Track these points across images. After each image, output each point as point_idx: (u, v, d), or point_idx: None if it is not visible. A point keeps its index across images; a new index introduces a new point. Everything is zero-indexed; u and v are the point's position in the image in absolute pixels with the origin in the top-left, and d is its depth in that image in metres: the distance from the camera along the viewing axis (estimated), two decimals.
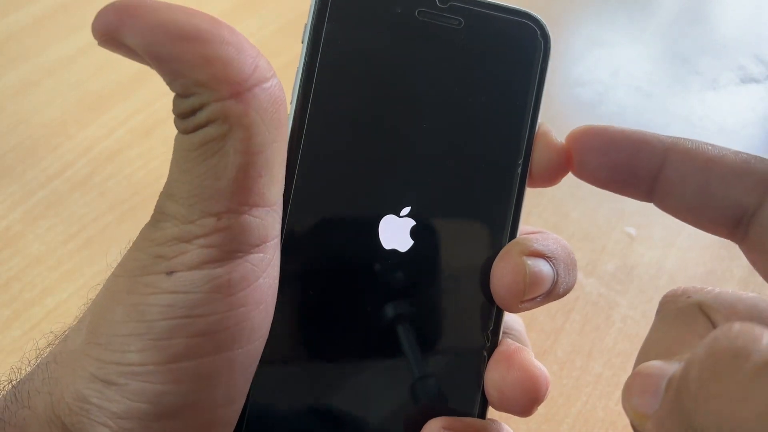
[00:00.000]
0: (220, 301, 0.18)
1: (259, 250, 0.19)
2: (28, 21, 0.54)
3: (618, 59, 0.59)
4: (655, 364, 0.16)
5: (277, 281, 0.20)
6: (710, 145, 0.20)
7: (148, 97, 0.50)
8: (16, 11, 0.55)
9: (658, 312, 0.20)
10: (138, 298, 0.18)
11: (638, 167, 0.20)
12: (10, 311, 0.39)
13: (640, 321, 0.41)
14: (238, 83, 0.17)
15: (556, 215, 0.46)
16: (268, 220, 0.19)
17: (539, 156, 0.22)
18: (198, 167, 0.18)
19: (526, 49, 0.22)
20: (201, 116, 0.18)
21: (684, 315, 0.19)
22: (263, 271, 0.19)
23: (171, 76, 0.18)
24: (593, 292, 0.43)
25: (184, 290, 0.18)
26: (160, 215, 0.19)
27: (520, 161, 0.22)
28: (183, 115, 0.18)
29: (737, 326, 0.14)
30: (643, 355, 0.19)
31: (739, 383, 0.13)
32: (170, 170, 0.19)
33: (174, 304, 0.18)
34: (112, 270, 0.20)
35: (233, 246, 0.18)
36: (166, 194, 0.19)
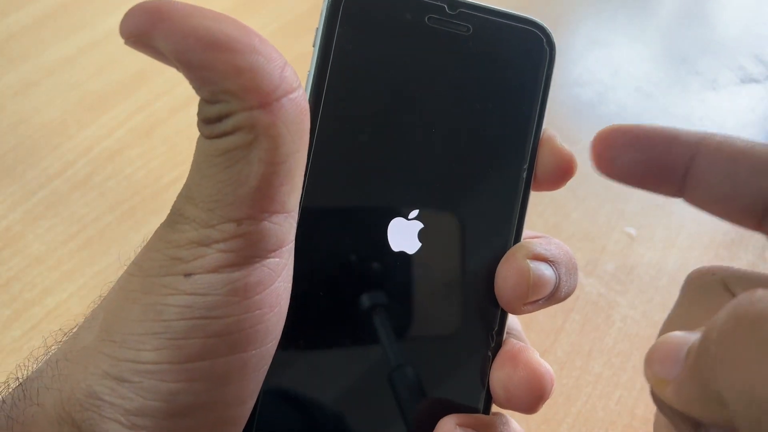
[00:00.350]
0: (237, 304, 0.18)
1: (276, 254, 0.19)
2: (28, 21, 0.54)
3: (618, 59, 0.59)
4: (677, 334, 0.17)
5: (290, 284, 0.20)
6: (740, 138, 0.20)
7: (149, 97, 0.50)
8: (16, 11, 0.55)
9: (683, 288, 0.21)
10: (155, 298, 0.18)
11: (670, 162, 0.20)
12: (11, 311, 0.39)
13: (640, 321, 0.41)
14: (267, 94, 0.17)
15: (557, 215, 0.46)
16: (286, 225, 0.19)
17: (544, 160, 0.23)
18: (221, 173, 0.18)
19: (533, 56, 0.23)
20: (227, 124, 0.18)
21: (708, 291, 0.20)
22: (279, 274, 0.19)
23: (199, 83, 0.18)
24: (593, 292, 0.43)
25: (202, 292, 0.18)
26: (178, 217, 0.19)
27: (525, 166, 0.23)
28: (208, 121, 0.18)
29: (760, 292, 0.14)
30: (666, 328, 0.20)
31: (757, 345, 0.13)
32: (190, 172, 0.19)
33: (192, 305, 0.18)
34: (125, 268, 0.20)
35: (252, 251, 0.18)
36: (186, 196, 0.19)
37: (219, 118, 0.18)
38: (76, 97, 0.50)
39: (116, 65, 0.52)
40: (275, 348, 0.20)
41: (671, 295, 0.43)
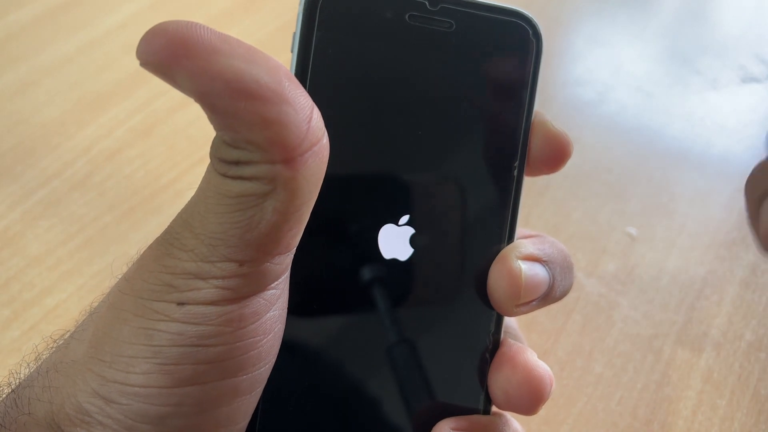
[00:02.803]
0: (231, 334, 0.18)
1: (272, 287, 0.19)
2: (28, 21, 0.54)
3: (618, 59, 0.59)
4: None
5: (285, 311, 0.20)
6: None
7: (148, 97, 0.50)
8: (16, 11, 0.55)
9: None
10: (146, 323, 0.18)
11: None
12: (10, 311, 0.39)
13: (641, 321, 0.41)
14: (292, 149, 0.17)
15: (557, 216, 0.46)
16: (286, 262, 0.19)
17: (538, 145, 0.22)
18: (230, 214, 0.17)
19: (519, 48, 0.22)
20: (246, 171, 0.17)
21: None
22: (274, 304, 0.19)
23: (221, 127, 0.17)
24: (594, 293, 0.42)
25: (195, 322, 0.17)
26: (175, 241, 0.18)
27: (516, 164, 0.22)
28: (225, 161, 0.17)
29: None
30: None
31: None
32: (196, 199, 0.18)
33: (184, 332, 0.17)
34: (116, 281, 0.19)
35: (250, 289, 0.18)
36: (187, 224, 0.18)
37: (237, 163, 0.17)
38: (75, 97, 0.50)
39: (115, 65, 0.51)
40: (270, 371, 0.20)
41: (672, 296, 0.43)
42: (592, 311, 0.42)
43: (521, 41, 0.22)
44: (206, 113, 0.17)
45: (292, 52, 0.21)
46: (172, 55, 0.16)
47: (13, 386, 0.20)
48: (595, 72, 0.57)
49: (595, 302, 0.42)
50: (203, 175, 0.19)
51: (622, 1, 0.65)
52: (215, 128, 0.17)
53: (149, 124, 0.48)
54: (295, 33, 0.21)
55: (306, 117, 0.17)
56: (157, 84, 0.51)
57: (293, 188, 0.17)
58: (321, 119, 0.18)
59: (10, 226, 0.43)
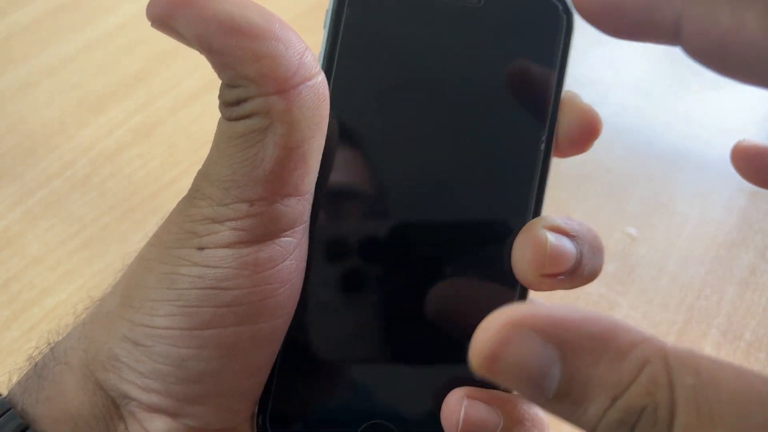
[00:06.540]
0: (247, 278, 0.19)
1: (287, 234, 0.20)
2: (28, 21, 0.54)
3: (619, 59, 0.59)
4: None
5: (304, 263, 0.21)
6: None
7: (148, 97, 0.50)
8: (16, 11, 0.55)
9: None
10: (169, 268, 0.19)
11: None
12: (9, 311, 0.39)
13: (641, 321, 0.41)
14: (284, 80, 0.18)
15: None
16: (299, 208, 0.20)
17: (567, 121, 0.22)
18: (237, 154, 0.19)
19: (549, 24, 0.22)
20: (245, 108, 0.18)
21: None
22: (290, 253, 0.20)
23: (220, 67, 0.18)
24: (594, 293, 0.42)
25: (213, 265, 0.19)
26: (196, 192, 0.19)
27: (543, 138, 0.22)
28: (228, 104, 0.19)
29: None
30: None
31: None
32: (210, 151, 0.20)
33: (203, 275, 0.19)
34: (144, 244, 0.21)
35: (263, 231, 0.19)
36: (204, 175, 0.19)
37: (238, 102, 0.18)
38: (75, 97, 0.50)
39: (115, 65, 0.51)
40: (287, 324, 0.21)
41: (672, 296, 0.43)
42: (592, 311, 0.42)
43: (552, 16, 0.22)
44: (206, 57, 0.18)
45: (324, 27, 0.22)
46: (172, 7, 0.18)
47: (52, 344, 0.21)
48: (596, 72, 0.57)
49: (595, 302, 0.42)
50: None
51: None
52: (216, 72, 0.19)
53: (149, 124, 0.48)
54: (327, 10, 0.22)
55: (297, 53, 0.18)
56: (157, 84, 0.51)
57: (289, 120, 0.18)
58: (316, 60, 0.19)
59: (10, 226, 0.43)
